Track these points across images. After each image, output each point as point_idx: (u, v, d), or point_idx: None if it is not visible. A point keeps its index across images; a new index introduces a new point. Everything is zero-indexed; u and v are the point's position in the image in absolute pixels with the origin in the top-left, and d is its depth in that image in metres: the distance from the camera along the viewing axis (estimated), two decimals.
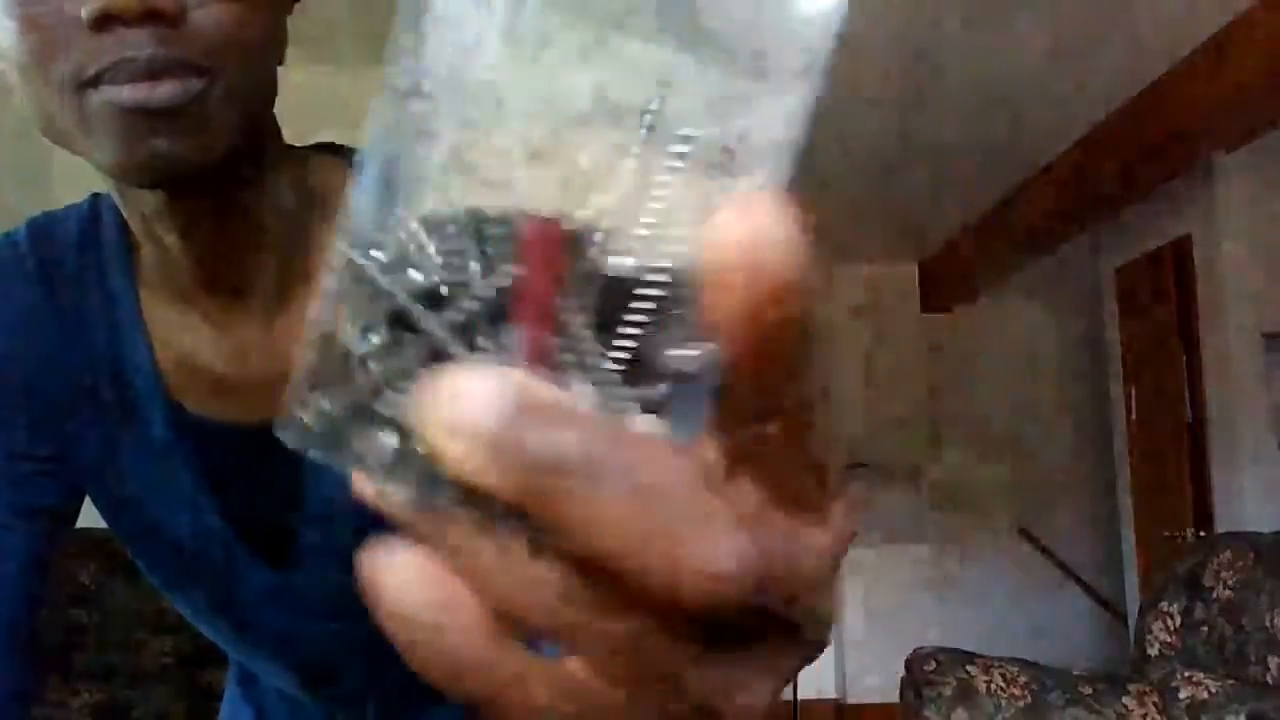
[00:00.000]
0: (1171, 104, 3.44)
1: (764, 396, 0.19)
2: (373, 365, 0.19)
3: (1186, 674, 2.66)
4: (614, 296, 0.18)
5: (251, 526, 0.68)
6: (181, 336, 0.65)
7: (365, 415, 0.19)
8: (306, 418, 0.19)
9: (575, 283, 0.18)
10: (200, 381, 0.66)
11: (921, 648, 2.83)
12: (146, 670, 3.40)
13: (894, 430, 5.66)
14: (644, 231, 0.18)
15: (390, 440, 0.18)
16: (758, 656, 0.20)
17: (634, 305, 0.18)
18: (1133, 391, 4.59)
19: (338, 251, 0.19)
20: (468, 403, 0.16)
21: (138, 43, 0.48)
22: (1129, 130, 3.71)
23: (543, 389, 0.17)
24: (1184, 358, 4.18)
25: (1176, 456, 4.22)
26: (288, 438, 0.20)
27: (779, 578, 0.19)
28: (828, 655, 5.78)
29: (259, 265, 0.63)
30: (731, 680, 0.20)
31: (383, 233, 0.19)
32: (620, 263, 0.18)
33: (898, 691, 2.86)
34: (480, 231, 0.19)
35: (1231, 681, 2.56)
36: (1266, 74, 2.99)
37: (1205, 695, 2.58)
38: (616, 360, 0.18)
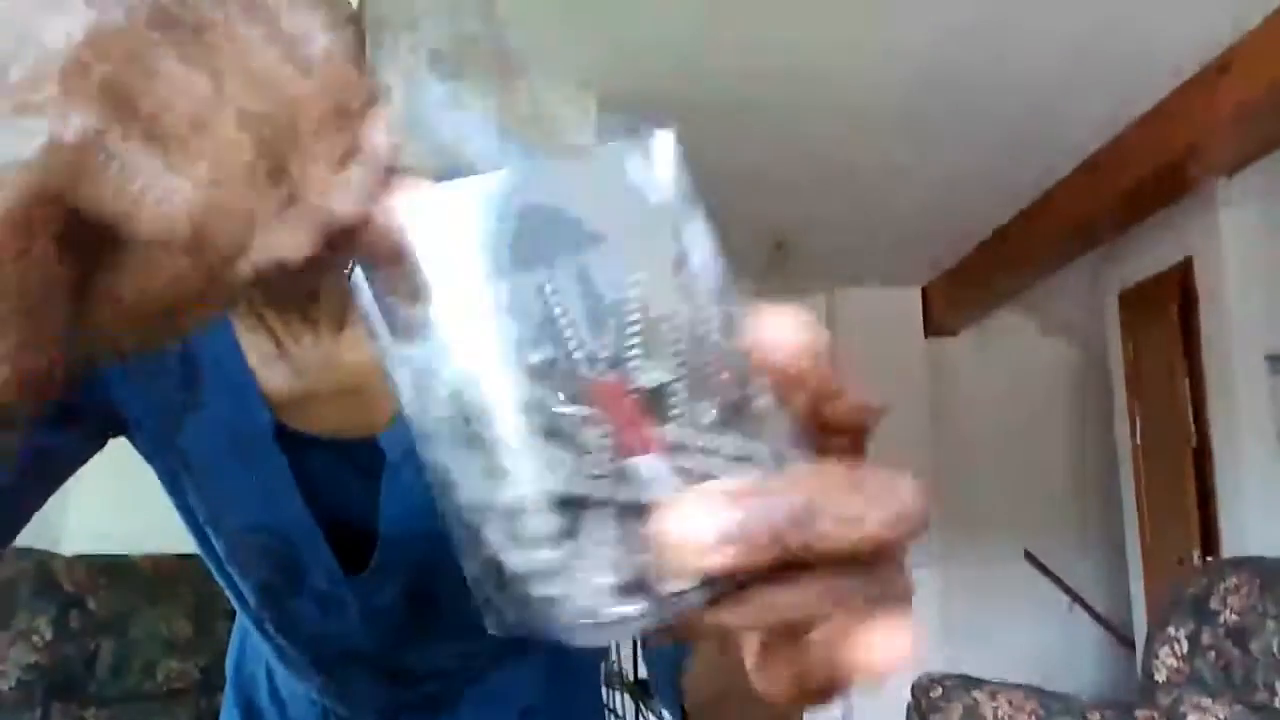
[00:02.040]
0: (1174, 128, 3.46)
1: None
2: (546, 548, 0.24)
3: (1194, 700, 2.65)
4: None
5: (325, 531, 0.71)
6: (246, 347, 0.68)
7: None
8: (507, 616, 0.25)
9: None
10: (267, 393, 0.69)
11: (927, 673, 2.83)
12: (157, 695, 3.40)
13: (899, 454, 5.64)
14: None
15: (606, 579, 0.24)
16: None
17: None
18: (1137, 414, 4.59)
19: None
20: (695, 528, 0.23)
21: None
22: (1131, 154, 3.73)
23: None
24: (1188, 381, 4.18)
25: (1182, 479, 4.22)
26: (496, 628, 0.25)
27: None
28: None
29: (326, 286, 0.66)
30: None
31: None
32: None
33: (904, 717, 2.85)
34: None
35: (1239, 707, 2.55)
36: (1268, 98, 3.02)
37: None
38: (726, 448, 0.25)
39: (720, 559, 0.23)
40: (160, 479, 0.71)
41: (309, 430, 0.69)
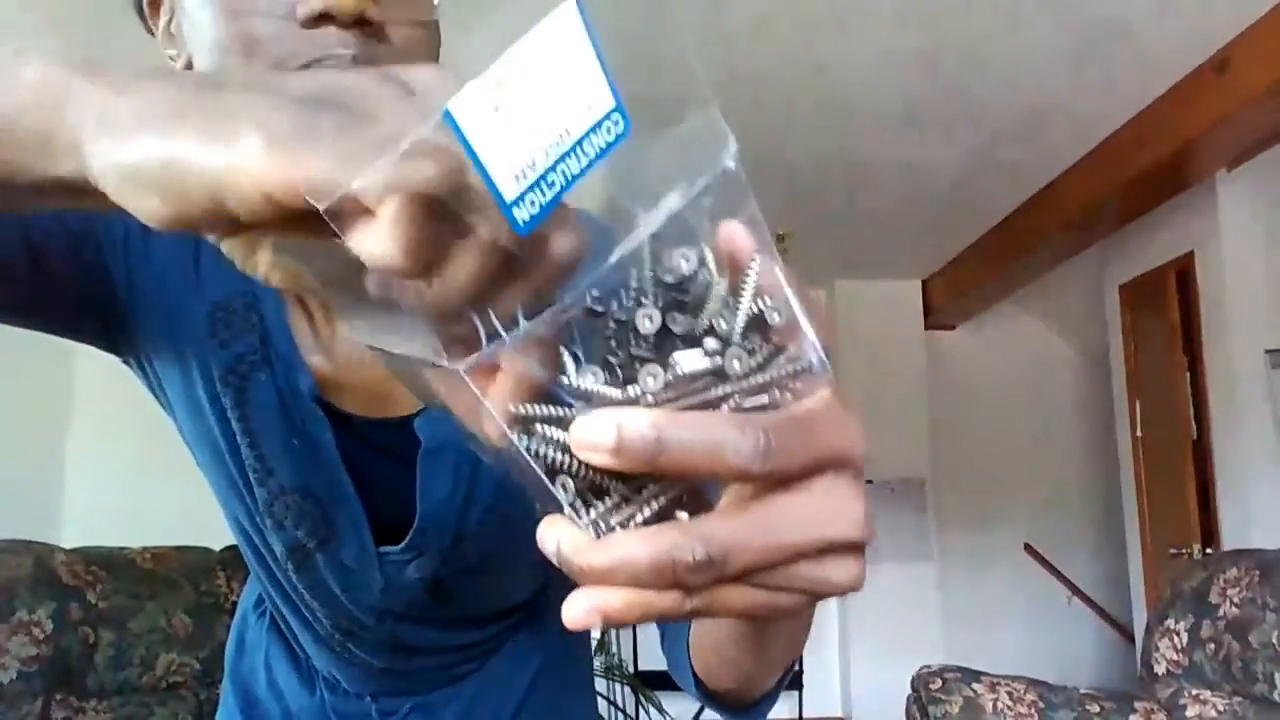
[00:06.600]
0: (1174, 122, 3.46)
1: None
2: None
3: (1194, 692, 2.65)
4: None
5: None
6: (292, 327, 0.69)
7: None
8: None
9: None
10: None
11: (927, 666, 2.83)
12: (155, 688, 3.40)
13: (899, 447, 5.66)
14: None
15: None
16: None
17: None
18: (1138, 408, 4.59)
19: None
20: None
21: (347, 42, 0.52)
22: (1132, 148, 3.73)
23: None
24: (1188, 374, 4.19)
25: (1181, 473, 4.22)
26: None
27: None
28: (833, 674, 5.75)
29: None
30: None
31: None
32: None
33: (903, 710, 2.85)
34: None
35: (1238, 699, 2.56)
36: (1268, 91, 3.01)
37: (1213, 713, 2.57)
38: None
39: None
40: (213, 422, 0.71)
41: (341, 407, 0.70)
